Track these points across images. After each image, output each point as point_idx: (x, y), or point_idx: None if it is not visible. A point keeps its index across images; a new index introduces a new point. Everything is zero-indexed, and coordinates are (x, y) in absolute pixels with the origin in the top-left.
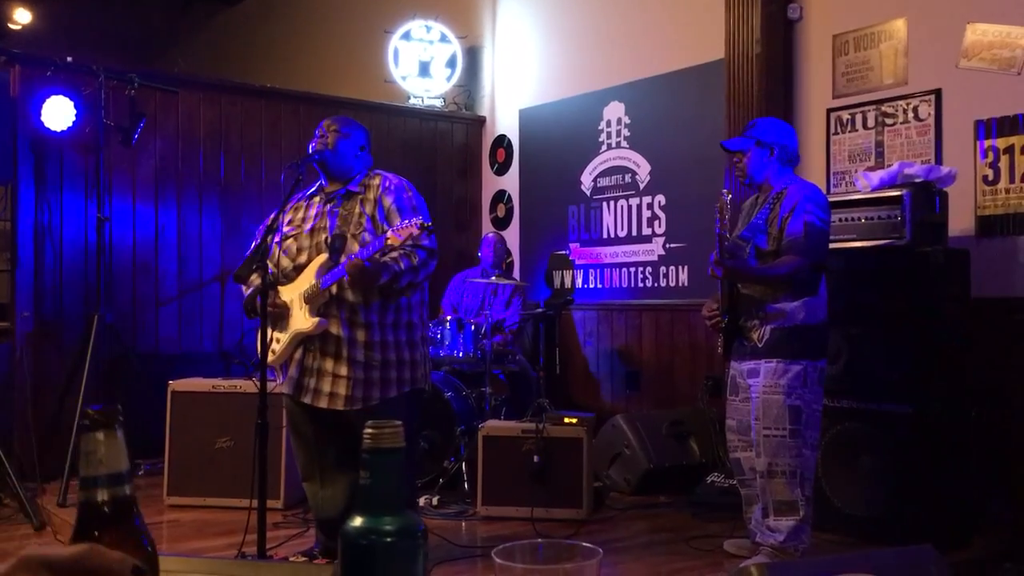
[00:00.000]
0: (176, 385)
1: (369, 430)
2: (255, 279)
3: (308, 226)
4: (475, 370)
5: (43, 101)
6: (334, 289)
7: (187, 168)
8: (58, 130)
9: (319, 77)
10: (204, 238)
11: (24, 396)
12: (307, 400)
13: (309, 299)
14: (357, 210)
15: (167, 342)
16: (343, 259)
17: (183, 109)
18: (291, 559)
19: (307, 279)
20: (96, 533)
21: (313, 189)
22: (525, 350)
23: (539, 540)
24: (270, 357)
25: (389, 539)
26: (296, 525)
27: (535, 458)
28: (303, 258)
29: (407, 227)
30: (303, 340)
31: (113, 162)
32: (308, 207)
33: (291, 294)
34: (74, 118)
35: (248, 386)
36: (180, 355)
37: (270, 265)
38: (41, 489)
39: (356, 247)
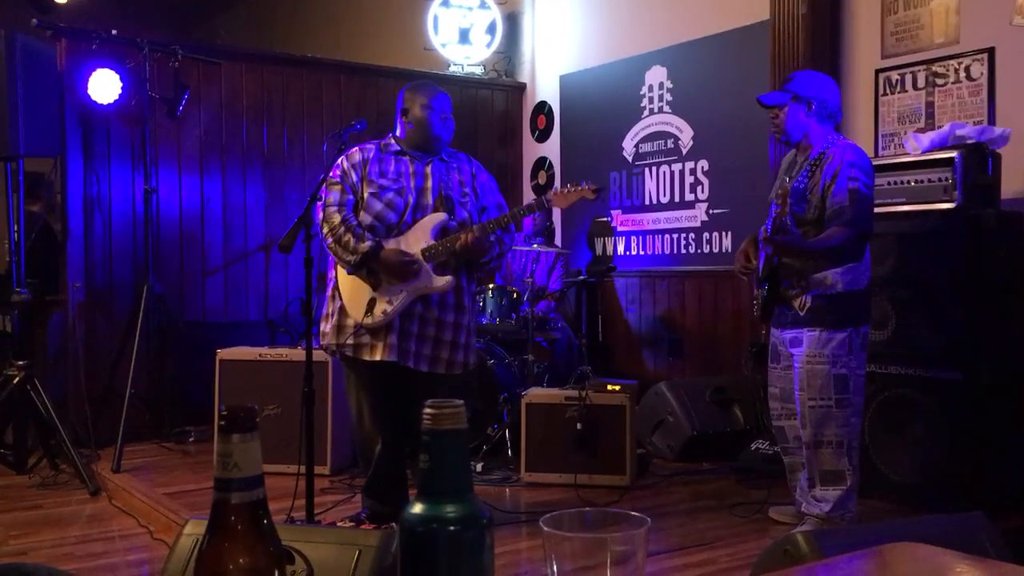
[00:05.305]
0: (224, 354)
1: (429, 410)
2: (362, 246)
3: (410, 183)
4: (517, 337)
5: (89, 74)
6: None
7: (231, 139)
8: (104, 103)
9: (359, 46)
10: (248, 208)
11: (77, 365)
12: (410, 364)
13: (431, 256)
14: (457, 176)
15: (213, 311)
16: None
17: (226, 80)
18: (339, 524)
19: (423, 236)
20: (226, 534)
21: (398, 148)
22: (567, 317)
23: (587, 509)
24: (380, 318)
25: (452, 527)
26: (343, 491)
27: (578, 425)
28: (409, 214)
29: (572, 192)
30: (418, 299)
31: (159, 134)
32: (397, 162)
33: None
34: (120, 91)
35: (294, 354)
36: (226, 324)
37: (365, 215)
38: (96, 455)
39: (464, 213)
